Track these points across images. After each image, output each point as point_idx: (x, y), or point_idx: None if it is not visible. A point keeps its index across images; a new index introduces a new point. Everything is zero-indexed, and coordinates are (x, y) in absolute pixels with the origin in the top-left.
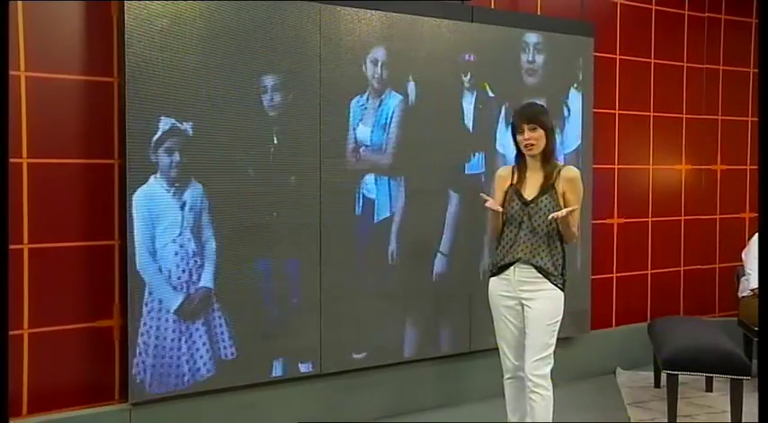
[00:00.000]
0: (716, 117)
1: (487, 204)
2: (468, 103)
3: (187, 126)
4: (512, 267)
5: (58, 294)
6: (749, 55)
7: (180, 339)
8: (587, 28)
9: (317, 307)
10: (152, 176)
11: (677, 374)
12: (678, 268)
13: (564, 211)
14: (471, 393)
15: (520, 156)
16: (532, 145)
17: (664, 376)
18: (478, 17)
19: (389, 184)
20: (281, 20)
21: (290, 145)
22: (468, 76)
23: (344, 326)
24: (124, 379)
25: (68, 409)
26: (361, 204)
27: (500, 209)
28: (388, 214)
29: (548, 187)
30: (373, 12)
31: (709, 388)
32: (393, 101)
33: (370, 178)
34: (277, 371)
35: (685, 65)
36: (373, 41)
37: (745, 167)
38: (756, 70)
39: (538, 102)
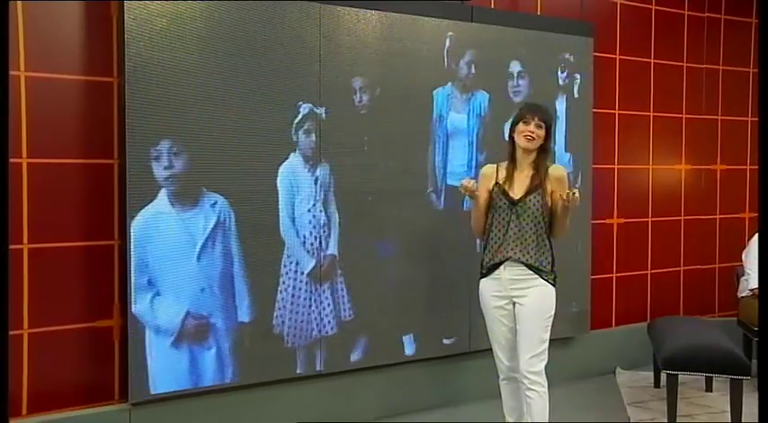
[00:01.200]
0: (716, 117)
1: (467, 185)
2: (470, 103)
3: (321, 111)
4: (501, 266)
5: (58, 294)
6: (749, 55)
7: (310, 298)
8: (587, 28)
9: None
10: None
11: (677, 374)
12: (678, 268)
13: (575, 192)
14: (470, 393)
15: (511, 152)
16: (533, 138)
17: (664, 376)
18: (478, 17)
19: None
20: (281, 20)
21: (289, 144)
22: (470, 77)
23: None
24: (124, 379)
25: (68, 409)
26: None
27: (476, 191)
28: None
29: (536, 186)
30: (373, 12)
31: (709, 388)
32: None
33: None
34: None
35: (685, 65)
36: (374, 42)
37: (745, 167)
38: (756, 70)
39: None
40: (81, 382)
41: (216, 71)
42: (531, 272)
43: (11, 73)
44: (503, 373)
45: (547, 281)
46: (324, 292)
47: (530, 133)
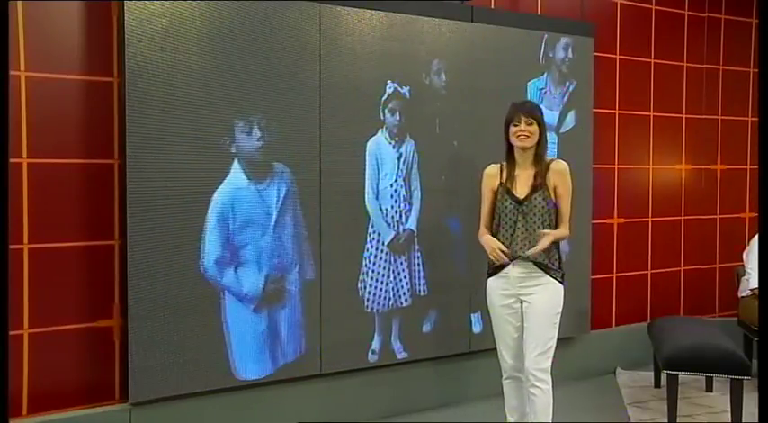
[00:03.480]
0: (716, 117)
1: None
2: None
3: (405, 90)
4: (510, 265)
5: (58, 294)
6: (749, 55)
7: (389, 268)
8: (587, 28)
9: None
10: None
11: (677, 374)
12: (678, 268)
13: (546, 242)
14: (471, 393)
15: (509, 152)
16: (527, 136)
17: (664, 376)
18: (478, 17)
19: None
20: (281, 20)
21: (289, 144)
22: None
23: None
24: (124, 379)
25: (68, 409)
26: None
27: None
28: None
29: (539, 185)
30: (373, 12)
31: (709, 388)
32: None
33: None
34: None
35: (685, 65)
36: (374, 42)
37: (745, 167)
38: (756, 70)
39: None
40: (81, 382)
41: (216, 71)
42: (539, 270)
43: (11, 73)
44: (506, 372)
45: (555, 278)
46: (402, 263)
47: (522, 132)
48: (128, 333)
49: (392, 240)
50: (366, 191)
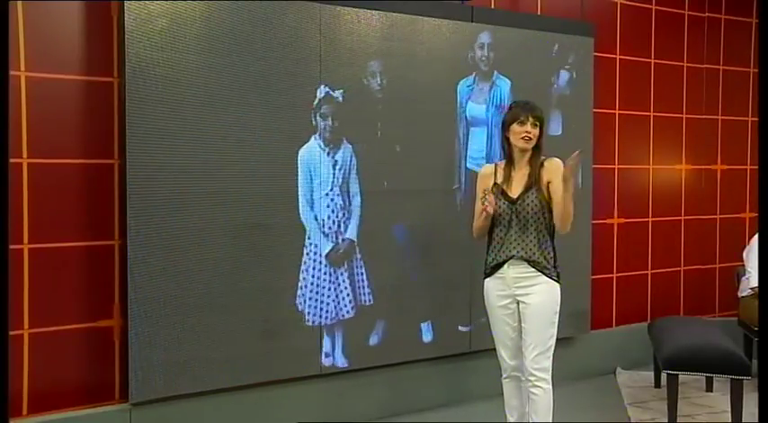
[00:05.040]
0: (716, 117)
1: (487, 206)
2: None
3: (338, 94)
4: (505, 265)
5: (58, 294)
6: (749, 55)
7: (328, 280)
8: (587, 28)
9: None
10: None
11: (677, 374)
12: (678, 268)
13: (574, 159)
14: (471, 393)
15: (507, 151)
16: (531, 138)
17: (664, 376)
18: (478, 17)
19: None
20: (281, 20)
21: (289, 144)
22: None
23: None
24: (124, 379)
25: (68, 409)
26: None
27: (491, 211)
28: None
29: (532, 183)
30: (373, 12)
31: (709, 388)
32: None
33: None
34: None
35: (685, 65)
36: (374, 42)
37: (745, 167)
38: (756, 70)
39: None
40: (81, 382)
41: (216, 71)
42: (534, 270)
43: (11, 73)
44: (506, 371)
45: (551, 278)
46: (342, 274)
47: (527, 134)
48: (128, 333)
49: (331, 251)
50: (300, 201)
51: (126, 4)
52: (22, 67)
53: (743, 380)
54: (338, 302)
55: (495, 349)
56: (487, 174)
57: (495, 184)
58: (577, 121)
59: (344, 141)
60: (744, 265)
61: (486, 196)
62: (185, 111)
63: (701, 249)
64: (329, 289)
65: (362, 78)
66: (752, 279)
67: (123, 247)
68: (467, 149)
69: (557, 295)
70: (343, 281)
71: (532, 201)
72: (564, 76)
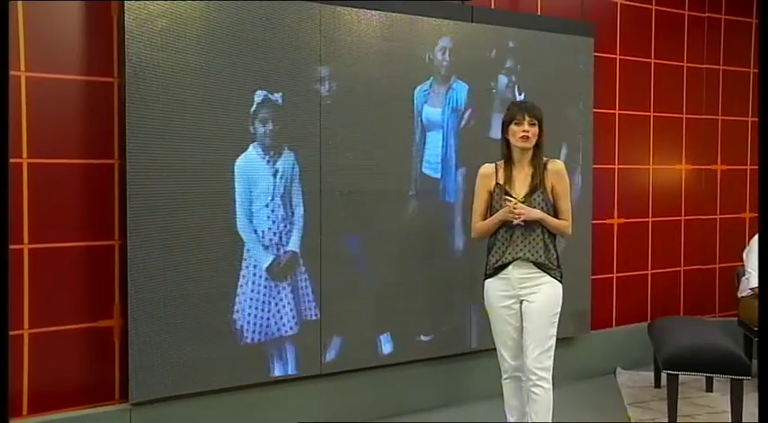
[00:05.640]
0: (716, 117)
1: (509, 213)
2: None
3: (277, 96)
4: (510, 266)
5: (58, 294)
6: (749, 55)
7: (269, 295)
8: (587, 28)
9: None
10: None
11: (677, 374)
12: (678, 268)
13: (529, 216)
14: (471, 393)
15: (507, 152)
16: (529, 138)
17: (664, 376)
18: (478, 17)
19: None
20: (280, 20)
21: (288, 144)
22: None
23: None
24: (124, 379)
25: (68, 409)
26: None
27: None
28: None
29: (537, 185)
30: (373, 12)
31: (709, 388)
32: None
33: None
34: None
35: (685, 65)
36: (374, 42)
37: (745, 167)
38: (756, 70)
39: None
40: (81, 382)
41: (216, 71)
42: (539, 270)
43: (11, 73)
44: (506, 371)
45: (555, 278)
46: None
47: (524, 133)
48: (128, 333)
49: (272, 264)
50: (237, 214)
51: (126, 4)
52: (22, 67)
53: (743, 380)
54: (280, 317)
55: (494, 349)
56: (488, 174)
57: (497, 184)
58: (577, 121)
59: (285, 148)
60: (744, 266)
61: (515, 206)
62: (185, 111)
63: (701, 249)
64: (269, 303)
65: (309, 83)
66: (752, 279)
67: (123, 247)
68: (422, 154)
69: (559, 295)
70: (286, 295)
71: (538, 203)
72: (563, 75)
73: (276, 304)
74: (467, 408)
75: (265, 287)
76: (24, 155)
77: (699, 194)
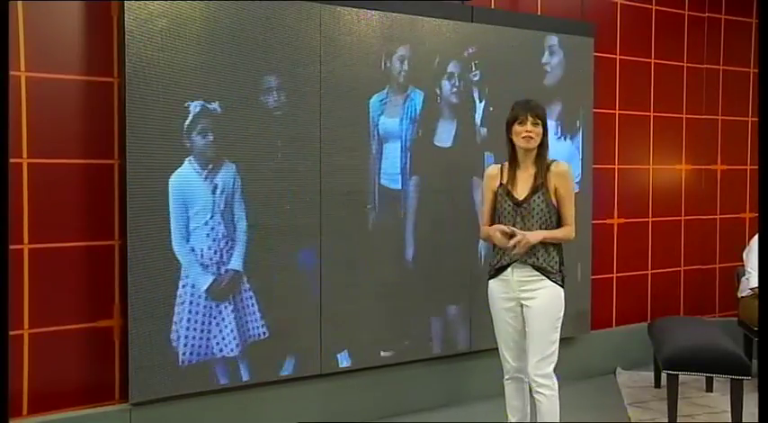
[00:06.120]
0: (716, 117)
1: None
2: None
3: (215, 105)
4: (509, 268)
5: (58, 294)
6: (749, 55)
7: (209, 315)
8: (587, 28)
9: (318, 305)
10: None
11: (677, 374)
12: (678, 268)
13: (536, 236)
14: (471, 393)
15: (511, 152)
16: (532, 138)
17: (664, 376)
18: (478, 17)
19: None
20: (281, 20)
21: (289, 145)
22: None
23: (343, 325)
24: (124, 379)
25: (68, 409)
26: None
27: (508, 245)
28: (390, 216)
29: (539, 185)
30: (373, 12)
31: (709, 388)
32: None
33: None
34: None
35: (685, 65)
36: (374, 42)
37: (745, 167)
38: (756, 70)
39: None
40: (81, 382)
41: (216, 71)
42: (538, 273)
43: (11, 73)
44: (508, 372)
45: (555, 282)
46: (225, 308)
47: (527, 133)
48: (128, 333)
49: (212, 285)
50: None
51: (126, 4)
52: (22, 67)
53: (743, 380)
54: (222, 339)
55: (494, 349)
56: (493, 175)
57: (500, 184)
58: (577, 121)
59: (226, 161)
60: (744, 266)
61: (511, 233)
62: (185, 111)
63: (701, 249)
64: (209, 324)
65: (255, 93)
66: (752, 279)
67: (123, 247)
68: (380, 166)
69: (560, 300)
70: (227, 315)
71: (539, 204)
72: (563, 75)
73: (218, 324)
74: (467, 408)
75: (205, 307)
76: (24, 155)
77: (699, 194)
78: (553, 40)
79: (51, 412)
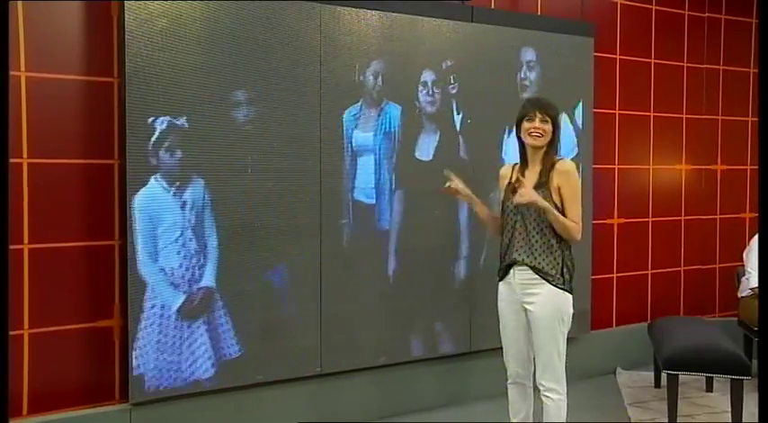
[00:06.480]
0: (716, 117)
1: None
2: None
3: (183, 121)
4: (512, 270)
5: (58, 294)
6: (749, 55)
7: (180, 337)
8: (587, 28)
9: (317, 307)
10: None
11: (677, 374)
12: (678, 268)
13: (523, 199)
14: (471, 393)
15: (522, 151)
16: (540, 135)
17: (664, 376)
18: (478, 17)
19: (389, 185)
20: (280, 20)
21: (288, 145)
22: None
23: (345, 326)
24: (124, 379)
25: (68, 409)
26: (359, 207)
27: (462, 194)
28: (388, 217)
29: (541, 183)
30: (373, 12)
31: (709, 388)
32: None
33: (370, 180)
34: (279, 372)
35: (685, 65)
36: (374, 42)
37: (745, 167)
38: (756, 70)
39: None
40: (81, 382)
41: (216, 71)
42: (538, 276)
43: (11, 73)
44: (510, 376)
45: (556, 286)
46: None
47: (536, 130)
48: (128, 333)
49: (184, 304)
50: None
51: (126, 4)
52: (22, 67)
53: (743, 380)
54: (195, 360)
55: (494, 349)
56: (504, 174)
57: (509, 183)
58: (577, 121)
59: (194, 177)
60: (744, 266)
61: (518, 185)
62: (185, 111)
63: (701, 249)
64: (181, 346)
65: (225, 108)
66: (752, 279)
67: (123, 247)
68: (354, 180)
69: (563, 305)
70: (201, 335)
71: None
72: (563, 75)
73: (190, 345)
74: (467, 408)
75: (175, 328)
76: (24, 155)
77: (699, 194)
78: (530, 55)
79: (51, 412)
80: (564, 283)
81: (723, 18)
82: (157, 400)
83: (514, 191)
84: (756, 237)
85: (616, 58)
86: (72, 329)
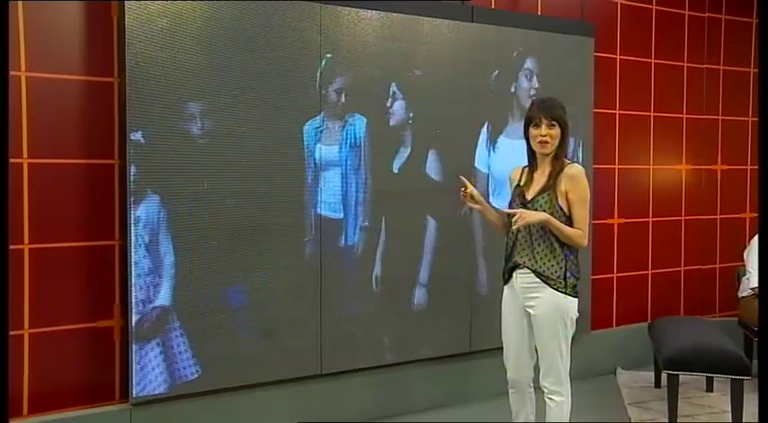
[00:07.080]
0: (716, 117)
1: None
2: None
3: (139, 136)
4: (515, 273)
5: (58, 294)
6: (749, 55)
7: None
8: (587, 28)
9: (318, 308)
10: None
11: (677, 374)
12: (678, 268)
13: (519, 224)
14: (471, 394)
15: (531, 154)
16: (547, 142)
17: (664, 376)
18: (478, 17)
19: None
20: (280, 20)
21: (290, 144)
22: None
23: (344, 326)
24: (124, 379)
25: (68, 409)
26: (359, 207)
27: (477, 206)
28: (385, 217)
29: (548, 186)
30: (373, 12)
31: (709, 388)
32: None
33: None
34: (279, 372)
35: (685, 65)
36: (374, 42)
37: (745, 167)
38: (756, 70)
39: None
40: (81, 382)
41: (216, 71)
42: (539, 280)
43: (11, 73)
44: (509, 381)
45: (557, 290)
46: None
47: (542, 138)
48: (128, 333)
49: (137, 323)
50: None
51: (126, 4)
52: (23, 67)
53: (743, 380)
54: (149, 381)
55: (494, 350)
56: (513, 177)
57: (517, 185)
58: (577, 121)
59: (149, 192)
60: (744, 266)
61: (512, 214)
62: (185, 111)
63: (701, 249)
64: (134, 365)
65: (178, 122)
66: (752, 279)
67: (123, 247)
68: (319, 195)
69: (566, 308)
70: (155, 356)
71: (542, 205)
72: (563, 75)
73: (143, 367)
74: (467, 408)
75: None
76: (24, 155)
77: (699, 194)
78: (530, 55)
79: (51, 412)
80: (566, 287)
81: (723, 18)
82: (157, 400)
83: (521, 194)
84: (756, 237)
85: (616, 58)
86: (72, 329)
